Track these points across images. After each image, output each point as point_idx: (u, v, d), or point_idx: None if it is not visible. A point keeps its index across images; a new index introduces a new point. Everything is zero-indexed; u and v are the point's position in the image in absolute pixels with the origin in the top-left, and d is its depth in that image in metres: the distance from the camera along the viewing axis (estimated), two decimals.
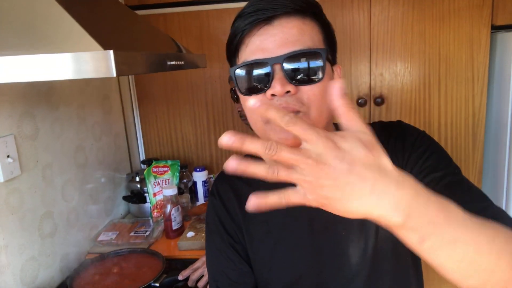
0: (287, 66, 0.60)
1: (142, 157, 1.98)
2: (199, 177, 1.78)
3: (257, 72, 0.62)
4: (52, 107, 1.28)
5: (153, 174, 1.69)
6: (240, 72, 0.64)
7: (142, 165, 1.81)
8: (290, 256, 0.73)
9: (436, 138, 1.84)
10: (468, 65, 1.75)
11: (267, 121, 0.62)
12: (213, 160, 1.98)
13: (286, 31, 0.61)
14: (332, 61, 0.68)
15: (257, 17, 0.61)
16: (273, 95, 0.61)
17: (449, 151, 1.82)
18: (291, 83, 0.61)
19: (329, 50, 0.67)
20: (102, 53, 0.59)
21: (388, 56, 1.77)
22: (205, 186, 1.79)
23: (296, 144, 0.42)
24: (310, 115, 0.62)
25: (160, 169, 1.70)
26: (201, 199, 1.79)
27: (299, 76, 0.61)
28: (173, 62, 0.86)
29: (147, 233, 1.52)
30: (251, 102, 0.43)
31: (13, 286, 1.09)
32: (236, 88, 0.66)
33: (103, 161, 1.62)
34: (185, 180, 1.80)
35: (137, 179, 1.74)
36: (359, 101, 1.80)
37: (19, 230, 1.12)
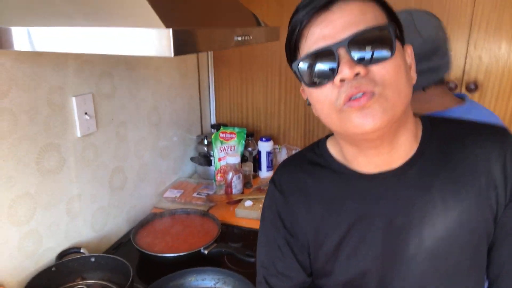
0: (353, 48, 0.57)
1: (213, 120, 2.03)
2: (264, 147, 1.77)
3: (321, 61, 0.59)
4: (130, 68, 1.34)
5: (220, 139, 1.72)
6: (303, 65, 0.62)
7: (212, 129, 1.85)
8: (357, 252, 0.70)
9: None
10: None
11: (341, 110, 0.59)
12: (281, 131, 1.95)
13: (346, 14, 0.58)
14: (401, 41, 0.63)
15: (314, 5, 0.59)
16: (342, 80, 0.58)
17: None
18: (360, 64, 0.57)
19: (398, 29, 0.62)
20: (160, 31, 0.57)
21: (492, 37, 1.54)
22: (269, 156, 1.78)
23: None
24: (387, 96, 0.57)
25: (227, 135, 1.72)
26: (263, 169, 1.80)
27: (367, 56, 0.57)
28: (239, 38, 0.83)
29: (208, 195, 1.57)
30: None
31: (84, 231, 1.21)
32: (302, 83, 0.64)
33: (176, 121, 1.69)
34: (250, 149, 1.81)
35: (206, 142, 1.79)
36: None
37: (92, 181, 1.22)
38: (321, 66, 0.59)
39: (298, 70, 0.63)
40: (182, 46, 0.60)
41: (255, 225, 1.40)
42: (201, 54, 1.86)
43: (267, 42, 1.05)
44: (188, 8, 0.75)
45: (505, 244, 0.66)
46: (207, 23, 0.77)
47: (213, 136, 1.72)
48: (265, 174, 1.81)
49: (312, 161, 0.75)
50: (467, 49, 1.57)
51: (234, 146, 1.73)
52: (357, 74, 0.57)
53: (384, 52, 0.57)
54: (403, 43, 0.64)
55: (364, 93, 0.56)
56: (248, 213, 1.45)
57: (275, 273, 0.77)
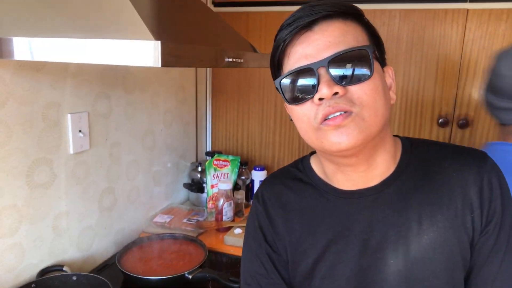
0: (333, 68, 0.59)
1: (209, 148, 2.05)
2: (257, 176, 1.78)
3: (302, 79, 0.61)
4: (128, 90, 1.38)
5: (214, 166, 1.73)
6: (285, 82, 0.64)
7: (206, 156, 1.86)
8: (335, 274, 0.70)
9: None
10: None
11: (318, 128, 0.61)
12: (275, 161, 1.96)
13: (327, 34, 0.60)
14: (382, 62, 0.65)
15: (297, 25, 0.60)
16: (321, 99, 0.59)
17: None
18: (338, 84, 0.59)
19: (378, 50, 0.64)
20: (149, 43, 0.60)
21: (481, 75, 1.59)
22: None
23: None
24: (363, 116, 0.59)
25: (221, 162, 1.74)
26: None
27: (346, 77, 0.59)
28: (230, 59, 0.86)
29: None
30: None
31: (69, 249, 1.20)
32: (283, 99, 0.65)
33: (171, 146, 1.70)
34: (243, 177, 1.82)
35: (199, 169, 1.80)
36: (440, 121, 1.65)
37: (81, 199, 1.22)
38: (302, 84, 0.61)
39: (280, 86, 0.65)
40: (170, 58, 0.63)
41: None
42: (199, 83, 1.91)
43: (260, 68, 1.09)
44: (181, 26, 0.79)
45: (484, 270, 0.66)
46: (198, 41, 0.80)
47: (206, 163, 1.73)
48: None
49: (295, 177, 0.76)
50: (458, 85, 1.61)
51: (227, 174, 1.74)
52: (335, 94, 0.58)
53: (363, 73, 0.59)
54: (383, 64, 0.66)
55: (341, 113, 0.58)
56: (237, 241, 1.43)
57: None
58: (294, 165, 0.79)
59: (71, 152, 1.15)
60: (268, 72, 1.92)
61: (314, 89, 0.60)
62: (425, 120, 1.68)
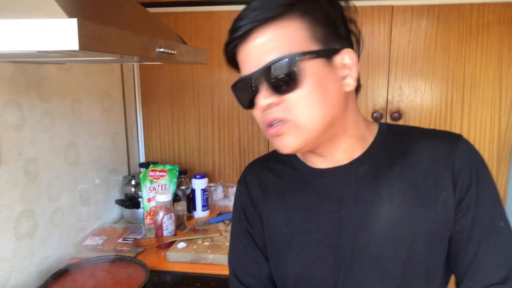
0: (267, 78, 0.60)
1: (142, 159, 1.89)
2: (198, 184, 1.67)
3: (245, 88, 0.64)
4: (43, 98, 1.20)
5: (149, 178, 1.59)
6: (235, 89, 0.67)
7: (140, 168, 1.71)
8: (307, 251, 0.71)
9: None
10: (496, 84, 1.61)
11: (266, 131, 0.65)
12: (215, 168, 1.87)
13: (259, 45, 0.61)
14: (331, 51, 0.62)
15: (233, 38, 0.62)
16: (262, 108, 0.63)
17: None
18: (274, 94, 0.61)
19: (325, 39, 0.61)
20: (62, 21, 0.49)
21: (409, 69, 1.65)
22: (204, 194, 1.68)
23: None
24: (297, 123, 0.61)
25: (157, 173, 1.60)
26: (199, 209, 1.68)
27: (280, 86, 0.60)
28: (162, 49, 0.77)
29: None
30: None
31: None
32: (238, 103, 0.68)
33: (98, 160, 1.54)
34: (183, 187, 1.70)
35: (133, 182, 1.64)
36: (374, 115, 1.68)
37: None
38: (247, 93, 0.64)
39: (235, 92, 0.68)
40: (90, 40, 0.52)
41: (190, 268, 1.27)
42: (127, 89, 1.76)
43: (195, 63, 1.00)
44: (104, 9, 0.68)
45: (461, 252, 0.65)
46: (125, 26, 0.70)
47: (141, 175, 1.59)
48: (200, 213, 1.69)
49: (277, 159, 0.78)
50: (388, 80, 1.66)
51: (165, 185, 1.61)
52: (271, 103, 0.61)
53: (292, 83, 0.59)
54: (333, 51, 0.62)
55: (278, 122, 0.61)
56: (181, 256, 1.31)
57: (244, 271, 0.78)
58: None
59: None
60: (202, 74, 1.84)
61: (256, 97, 0.63)
62: None
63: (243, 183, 0.81)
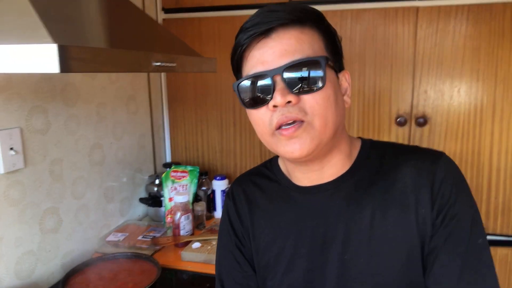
0: (287, 76, 0.60)
1: (168, 159, 1.97)
2: (219, 186, 1.72)
3: (258, 84, 0.63)
4: (68, 103, 1.29)
5: (171, 178, 1.66)
6: (242, 86, 0.65)
7: (165, 168, 1.78)
8: (293, 267, 0.73)
9: (486, 170, 1.62)
10: None
11: (273, 134, 0.63)
12: (237, 169, 1.90)
13: (284, 42, 0.61)
14: (337, 68, 0.67)
15: (255, 31, 0.62)
16: (275, 106, 0.61)
17: (500, 184, 1.59)
18: (292, 93, 0.61)
19: (333, 57, 0.66)
20: (42, 46, 0.54)
21: (435, 72, 1.58)
22: (224, 195, 1.72)
23: None
24: (314, 125, 0.62)
25: (178, 173, 1.66)
26: (219, 209, 1.73)
27: (299, 86, 0.60)
28: (159, 63, 0.80)
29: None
30: None
31: (5, 278, 1.10)
32: (240, 102, 0.67)
33: (123, 160, 1.62)
34: (204, 188, 1.75)
35: (157, 182, 1.72)
36: (398, 119, 1.63)
37: (17, 222, 1.12)
38: (258, 90, 0.63)
39: (238, 90, 0.65)
40: (72, 62, 0.56)
41: (203, 268, 1.31)
42: (153, 92, 1.84)
43: (201, 72, 1.03)
44: (99, 29, 0.73)
45: (436, 268, 0.64)
46: (118, 44, 0.74)
47: (163, 175, 1.66)
48: (220, 214, 1.73)
49: (263, 174, 0.80)
50: (413, 83, 1.61)
51: (186, 185, 1.67)
52: (289, 102, 0.60)
53: (315, 83, 0.61)
54: (340, 69, 0.68)
55: (293, 122, 0.60)
56: (195, 256, 1.35)
57: (233, 283, 0.79)
58: (264, 164, 0.83)
59: (2, 171, 1.06)
60: (224, 77, 1.88)
61: (269, 95, 0.61)
62: (383, 120, 1.66)
63: (231, 197, 0.82)
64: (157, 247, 1.43)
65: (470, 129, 1.58)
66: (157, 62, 0.80)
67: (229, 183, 1.78)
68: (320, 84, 0.61)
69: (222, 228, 0.84)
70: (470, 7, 1.51)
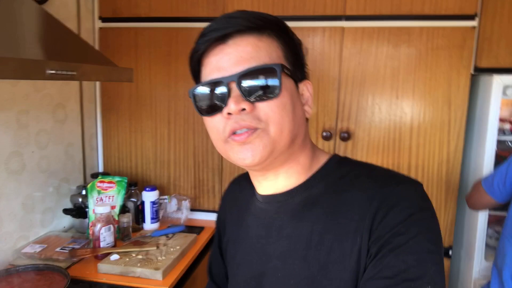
0: (242, 83, 0.59)
1: (101, 170, 1.93)
2: (148, 197, 1.70)
3: (213, 91, 0.61)
4: None
5: (97, 189, 1.62)
6: (197, 93, 0.63)
7: (92, 179, 1.75)
8: (242, 277, 0.73)
9: None
10: (445, 107, 1.62)
11: (226, 141, 0.62)
12: (171, 180, 1.90)
13: (240, 49, 0.60)
14: (298, 77, 0.65)
15: (211, 36, 0.61)
16: (229, 113, 0.60)
17: None
18: (246, 100, 0.59)
19: (292, 66, 0.64)
20: None
21: (358, 89, 1.67)
22: (153, 207, 1.71)
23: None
24: (268, 132, 0.60)
25: (105, 184, 1.64)
26: (147, 221, 1.71)
27: (255, 93, 0.59)
28: (54, 71, 0.80)
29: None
30: None
31: None
32: (195, 109, 0.65)
33: (47, 170, 1.58)
34: (133, 199, 1.73)
35: (83, 192, 1.68)
36: (324, 134, 1.70)
37: None
38: (213, 97, 0.61)
39: (194, 97, 0.64)
40: None
41: (118, 280, 1.29)
42: (86, 101, 1.81)
43: (110, 81, 1.03)
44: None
45: None
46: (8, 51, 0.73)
47: (89, 186, 1.62)
48: (149, 226, 1.71)
49: (247, 178, 0.77)
50: (338, 100, 1.68)
51: (113, 196, 1.64)
52: (243, 109, 0.59)
53: (270, 91, 0.59)
54: (300, 78, 0.65)
55: (246, 129, 0.59)
56: (111, 268, 1.33)
57: (213, 273, 0.87)
58: None
59: None
60: (159, 89, 1.88)
61: (223, 102, 0.60)
62: (311, 134, 1.70)
63: (224, 196, 0.87)
64: (74, 259, 1.40)
65: (390, 144, 1.67)
66: (52, 70, 0.80)
67: (160, 194, 1.77)
68: (275, 92, 0.59)
69: (216, 223, 0.88)
70: (390, 29, 1.61)
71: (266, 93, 0.59)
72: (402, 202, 0.57)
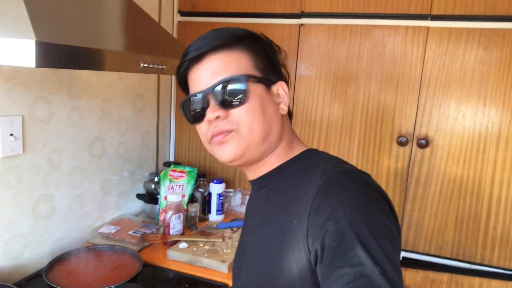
0: (216, 94, 0.69)
1: (172, 159, 2.01)
2: (215, 189, 1.73)
3: (195, 104, 0.72)
4: (72, 96, 1.34)
5: (169, 177, 1.69)
6: (185, 105, 0.74)
7: (165, 167, 1.82)
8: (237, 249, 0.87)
9: (486, 198, 1.59)
10: None
11: (210, 143, 0.73)
12: (237, 175, 1.92)
13: (213, 65, 0.70)
14: (271, 80, 0.74)
15: (190, 57, 0.71)
16: (209, 121, 0.70)
17: (499, 215, 1.56)
18: (221, 108, 0.69)
19: (265, 71, 0.73)
20: (23, 41, 0.57)
21: (441, 94, 1.56)
22: (219, 199, 1.74)
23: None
24: (241, 133, 0.70)
25: (176, 173, 1.69)
26: (213, 212, 1.74)
27: (226, 102, 0.69)
28: (146, 65, 0.83)
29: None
30: None
31: None
32: (185, 119, 0.76)
33: (124, 155, 1.66)
34: (201, 190, 1.77)
35: (156, 179, 1.75)
36: (399, 139, 1.61)
37: (11, 205, 1.17)
38: (196, 108, 0.72)
39: (183, 109, 0.75)
40: (47, 59, 0.60)
41: (186, 269, 1.33)
42: (163, 92, 1.88)
43: None
44: (92, 28, 0.76)
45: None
46: (107, 43, 0.77)
47: (162, 174, 1.69)
48: (214, 217, 1.75)
49: None
50: (418, 103, 1.59)
51: (183, 186, 1.69)
52: (218, 117, 0.69)
53: (239, 99, 0.69)
54: (274, 80, 0.74)
55: (222, 133, 0.70)
56: (180, 256, 1.37)
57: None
58: None
59: (0, 156, 1.11)
60: None
61: (204, 112, 0.71)
62: (385, 138, 1.64)
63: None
64: (145, 243, 1.46)
65: (473, 155, 1.55)
66: (145, 63, 0.83)
67: (227, 187, 1.80)
68: (243, 99, 0.68)
69: None
70: (482, 31, 1.49)
71: (236, 100, 0.69)
72: (335, 187, 0.62)
